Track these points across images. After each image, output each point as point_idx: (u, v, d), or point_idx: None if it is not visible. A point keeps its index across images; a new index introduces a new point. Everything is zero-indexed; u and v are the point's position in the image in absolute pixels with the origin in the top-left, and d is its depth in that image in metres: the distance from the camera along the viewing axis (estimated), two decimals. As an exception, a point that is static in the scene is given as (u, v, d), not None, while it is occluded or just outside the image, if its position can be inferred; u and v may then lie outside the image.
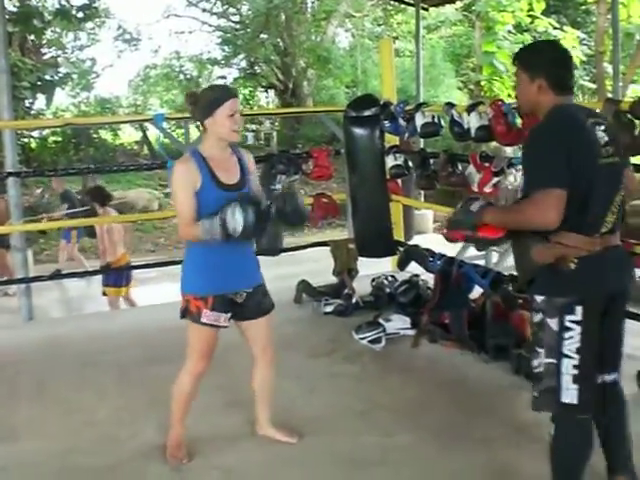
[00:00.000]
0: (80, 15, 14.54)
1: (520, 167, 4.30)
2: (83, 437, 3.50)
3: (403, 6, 17.35)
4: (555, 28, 14.83)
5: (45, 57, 17.00)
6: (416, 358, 4.45)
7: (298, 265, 7.45)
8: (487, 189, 4.51)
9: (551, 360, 2.42)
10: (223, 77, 20.88)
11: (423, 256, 5.30)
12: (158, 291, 7.35)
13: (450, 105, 4.83)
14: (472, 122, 4.50)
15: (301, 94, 18.60)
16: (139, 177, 16.29)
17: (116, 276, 6.63)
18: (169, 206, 14.98)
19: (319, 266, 6.34)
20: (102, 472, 3.14)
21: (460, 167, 4.93)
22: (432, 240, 8.19)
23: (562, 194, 2.28)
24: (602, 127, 2.41)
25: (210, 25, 19.66)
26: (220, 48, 19.90)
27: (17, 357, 4.72)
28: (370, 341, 4.60)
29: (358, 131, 5.27)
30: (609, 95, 13.35)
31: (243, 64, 20.38)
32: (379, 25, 20.67)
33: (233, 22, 19.52)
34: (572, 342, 2.39)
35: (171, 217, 8.61)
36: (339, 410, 3.69)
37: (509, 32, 15.35)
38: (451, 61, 17.91)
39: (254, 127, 19.06)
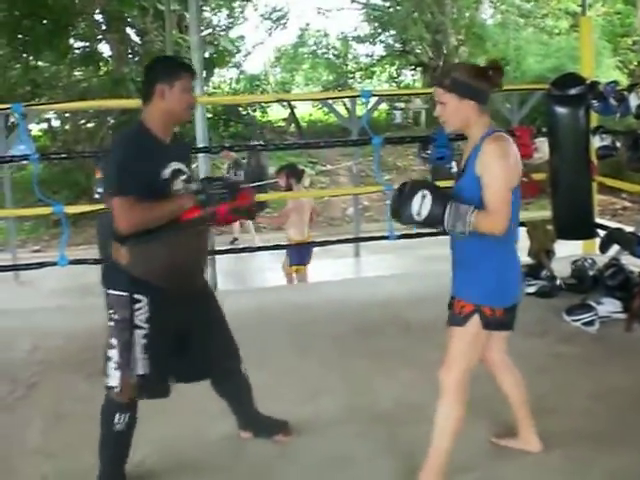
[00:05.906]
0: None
1: None
2: (322, 407, 3.60)
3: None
4: None
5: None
6: (636, 341, 4.38)
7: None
8: None
9: None
10: (369, 55, 20.96)
11: (629, 240, 5.18)
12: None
13: (674, 85, 4.67)
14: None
15: (452, 72, 18.33)
16: (288, 154, 16.66)
17: (301, 254, 6.65)
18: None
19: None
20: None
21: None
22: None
23: None
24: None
25: (359, 2, 19.73)
26: (368, 25, 19.94)
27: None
28: (583, 323, 4.57)
29: (562, 110, 5.18)
30: None
31: (390, 41, 20.31)
32: (528, 2, 20.00)
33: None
34: None
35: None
36: (572, 391, 3.69)
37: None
38: (608, 40, 17.12)
39: (402, 105, 18.90)
